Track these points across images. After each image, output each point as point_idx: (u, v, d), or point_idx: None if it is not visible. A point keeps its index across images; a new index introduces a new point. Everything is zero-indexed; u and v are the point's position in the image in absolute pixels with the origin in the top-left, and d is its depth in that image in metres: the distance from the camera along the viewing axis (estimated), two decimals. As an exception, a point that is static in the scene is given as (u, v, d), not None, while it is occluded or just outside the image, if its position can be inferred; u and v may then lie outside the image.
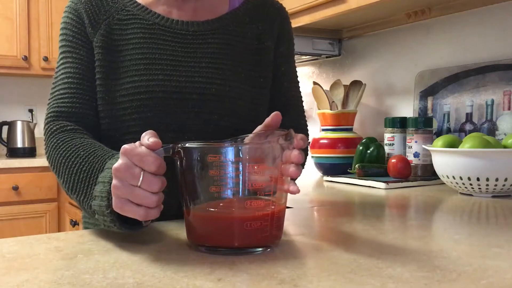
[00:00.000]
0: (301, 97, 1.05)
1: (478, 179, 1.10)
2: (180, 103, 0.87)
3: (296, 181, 0.64)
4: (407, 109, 1.79)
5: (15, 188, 2.69)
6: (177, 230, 0.74)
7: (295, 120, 1.00)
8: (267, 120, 0.71)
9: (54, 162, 0.81)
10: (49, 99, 0.90)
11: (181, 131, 0.87)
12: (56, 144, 0.82)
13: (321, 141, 1.74)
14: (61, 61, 0.91)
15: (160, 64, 0.87)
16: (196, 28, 0.91)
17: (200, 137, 0.87)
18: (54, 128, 0.85)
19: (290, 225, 0.80)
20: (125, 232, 0.66)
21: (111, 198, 0.62)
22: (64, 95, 0.87)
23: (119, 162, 0.60)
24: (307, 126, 1.04)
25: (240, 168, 0.58)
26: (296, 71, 1.05)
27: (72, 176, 0.76)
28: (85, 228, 0.98)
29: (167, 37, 0.89)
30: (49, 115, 0.87)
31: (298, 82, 1.05)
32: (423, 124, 1.46)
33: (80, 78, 0.88)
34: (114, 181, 0.60)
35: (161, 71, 0.87)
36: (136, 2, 0.92)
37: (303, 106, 1.05)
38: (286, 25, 1.01)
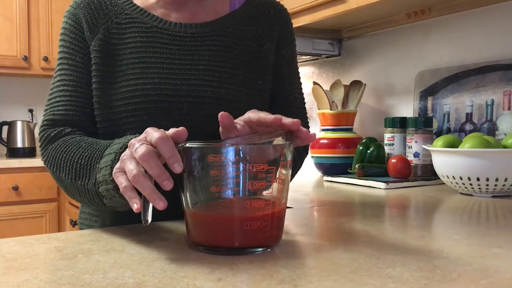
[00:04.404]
0: (303, 99, 1.03)
1: (478, 179, 1.10)
2: (175, 106, 0.86)
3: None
4: (407, 109, 1.79)
5: (15, 188, 2.69)
6: (177, 230, 0.74)
7: None
8: (269, 118, 0.65)
9: (55, 160, 0.82)
10: (46, 105, 0.91)
11: None
12: (57, 145, 0.83)
13: (321, 141, 1.74)
14: (58, 67, 0.92)
15: (156, 68, 0.87)
16: (194, 30, 0.90)
17: (197, 139, 0.86)
18: (53, 134, 0.86)
19: (290, 225, 0.80)
20: (123, 203, 0.67)
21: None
22: (59, 102, 0.88)
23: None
24: (309, 128, 1.03)
25: (241, 168, 0.58)
26: (299, 73, 1.04)
27: (74, 164, 0.77)
28: (81, 229, 0.99)
29: (164, 39, 0.89)
30: (44, 122, 0.89)
31: (301, 84, 1.03)
32: (423, 124, 1.46)
33: (75, 86, 0.89)
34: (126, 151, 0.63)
35: (156, 74, 0.87)
36: (135, 5, 0.92)
37: (305, 108, 1.03)
38: (287, 27, 1.00)
